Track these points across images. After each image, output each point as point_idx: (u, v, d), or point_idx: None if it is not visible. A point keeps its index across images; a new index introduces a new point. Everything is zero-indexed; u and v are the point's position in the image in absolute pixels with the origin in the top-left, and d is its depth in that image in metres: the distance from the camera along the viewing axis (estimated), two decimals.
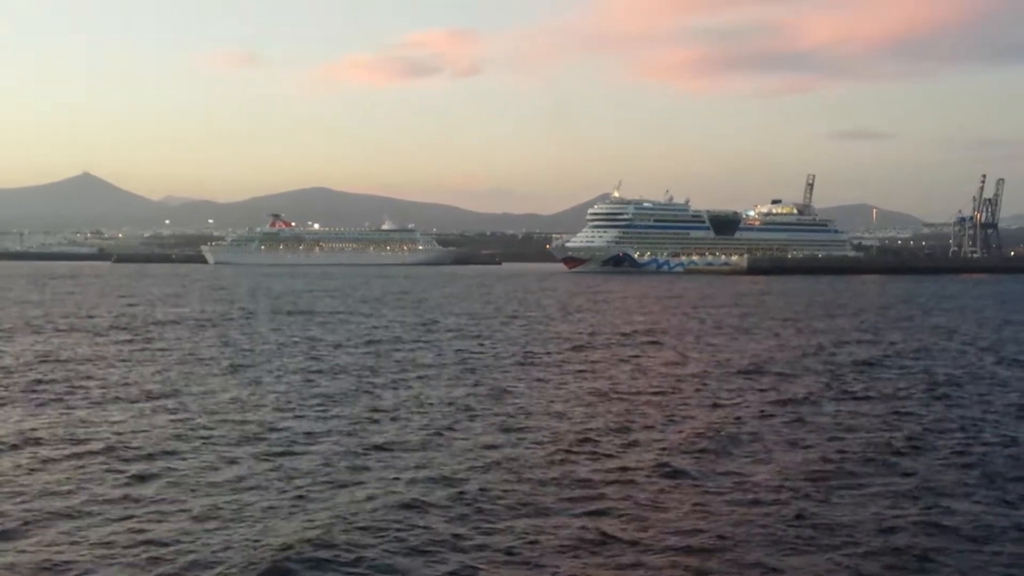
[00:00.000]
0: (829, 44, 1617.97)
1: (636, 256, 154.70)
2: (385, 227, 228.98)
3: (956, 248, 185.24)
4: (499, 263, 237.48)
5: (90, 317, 48.11)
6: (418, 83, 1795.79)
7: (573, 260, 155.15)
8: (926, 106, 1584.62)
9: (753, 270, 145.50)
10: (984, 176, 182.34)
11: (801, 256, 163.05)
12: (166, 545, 11.41)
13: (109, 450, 16.29)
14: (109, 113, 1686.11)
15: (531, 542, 11.74)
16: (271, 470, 15.11)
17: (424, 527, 12.25)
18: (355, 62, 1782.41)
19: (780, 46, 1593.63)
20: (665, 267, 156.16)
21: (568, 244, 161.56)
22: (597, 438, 17.78)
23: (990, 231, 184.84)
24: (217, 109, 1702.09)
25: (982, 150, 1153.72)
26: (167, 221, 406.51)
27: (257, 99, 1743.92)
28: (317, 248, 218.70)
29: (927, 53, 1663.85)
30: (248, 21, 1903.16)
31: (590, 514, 12.85)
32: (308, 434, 17.89)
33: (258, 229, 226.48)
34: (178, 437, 17.47)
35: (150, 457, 15.86)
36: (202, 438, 17.39)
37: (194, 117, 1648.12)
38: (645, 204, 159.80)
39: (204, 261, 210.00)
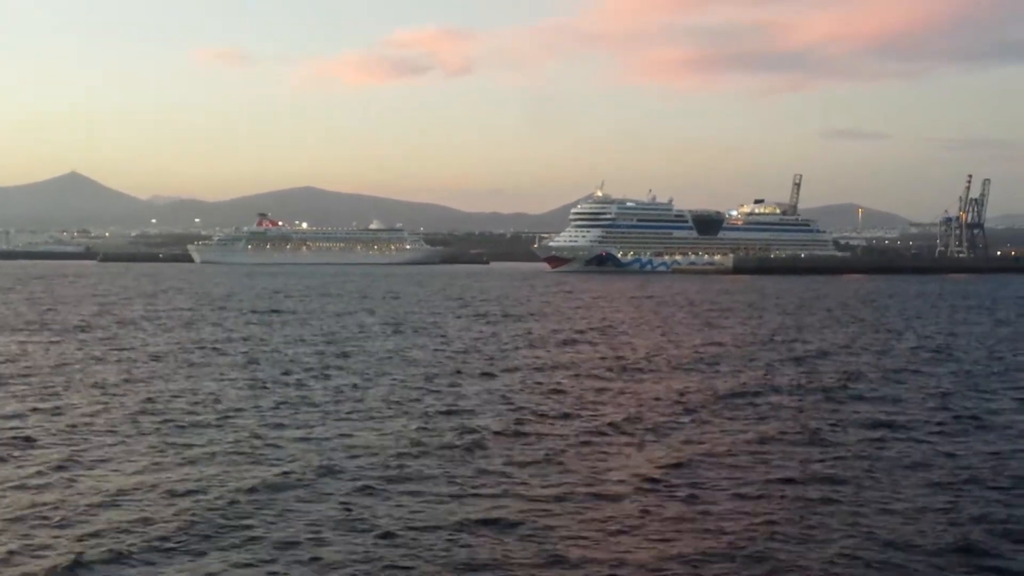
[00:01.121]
0: (820, 43, 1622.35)
1: (619, 256, 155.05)
2: (373, 227, 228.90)
3: (943, 248, 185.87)
4: (487, 262, 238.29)
5: (59, 315, 48.27)
6: (409, 82, 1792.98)
7: (556, 259, 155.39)
8: (916, 106, 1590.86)
9: (739, 270, 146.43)
10: (970, 176, 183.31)
11: (784, 256, 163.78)
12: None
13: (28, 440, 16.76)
14: (96, 112, 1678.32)
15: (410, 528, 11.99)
16: (167, 455, 15.50)
17: (297, 512, 12.62)
18: (345, 60, 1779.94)
19: (771, 45, 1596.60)
20: (648, 267, 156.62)
21: (551, 244, 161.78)
22: (496, 434, 17.96)
23: (976, 231, 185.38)
24: (206, 107, 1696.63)
25: (972, 150, 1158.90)
26: (154, 220, 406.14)
27: (246, 97, 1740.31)
28: (304, 248, 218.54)
29: (918, 53, 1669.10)
30: (237, 19, 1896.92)
31: (479, 509, 13.00)
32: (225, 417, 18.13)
33: (245, 228, 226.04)
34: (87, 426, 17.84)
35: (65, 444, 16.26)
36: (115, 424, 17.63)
37: (182, 115, 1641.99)
38: (628, 203, 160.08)
39: (191, 260, 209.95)
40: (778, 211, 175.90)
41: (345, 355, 30.88)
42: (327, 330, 40.74)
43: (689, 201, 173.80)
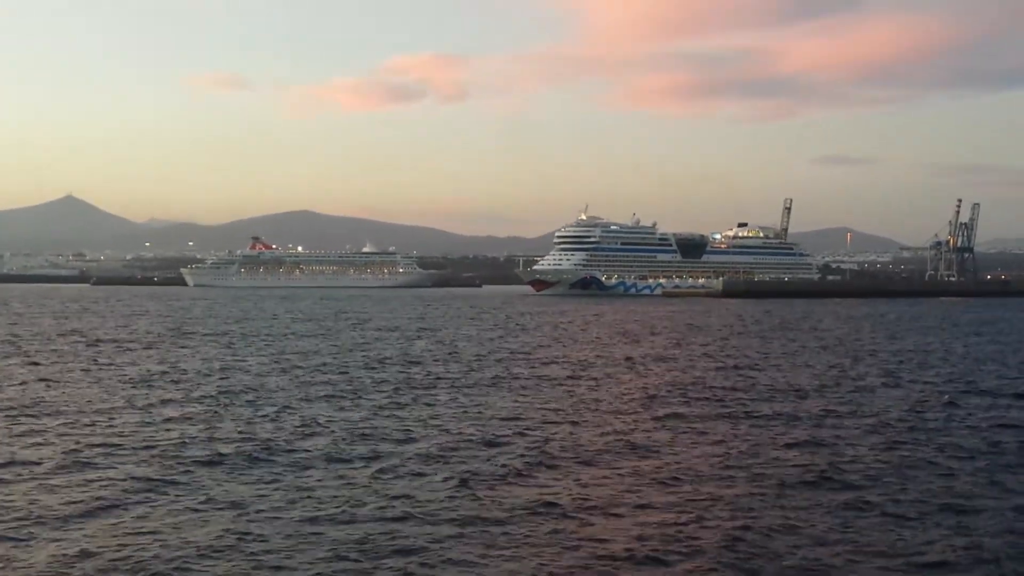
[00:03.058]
0: (810, 70, 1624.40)
1: (603, 279, 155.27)
2: (366, 250, 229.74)
3: (932, 272, 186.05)
4: (480, 286, 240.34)
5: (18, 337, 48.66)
6: (403, 107, 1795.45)
7: (541, 283, 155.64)
8: (907, 131, 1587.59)
9: (728, 293, 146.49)
10: (960, 201, 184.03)
11: (768, 279, 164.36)
12: None
13: None
14: (93, 135, 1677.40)
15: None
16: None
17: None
18: (340, 86, 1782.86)
19: (761, 72, 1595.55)
20: (632, 290, 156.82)
21: (535, 267, 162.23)
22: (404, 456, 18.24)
23: (966, 255, 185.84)
24: (202, 131, 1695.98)
25: (963, 175, 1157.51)
26: (147, 243, 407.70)
27: (243, 122, 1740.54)
28: (297, 271, 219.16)
29: (907, 79, 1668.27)
30: (233, 44, 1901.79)
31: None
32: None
33: (238, 252, 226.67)
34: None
35: None
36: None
37: (179, 139, 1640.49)
38: (612, 227, 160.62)
39: (185, 284, 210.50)
40: (761, 235, 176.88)
41: (292, 376, 31.16)
42: (286, 352, 41.06)
43: (680, 227, 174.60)
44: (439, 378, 30.64)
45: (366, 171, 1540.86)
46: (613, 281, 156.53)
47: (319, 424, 21.05)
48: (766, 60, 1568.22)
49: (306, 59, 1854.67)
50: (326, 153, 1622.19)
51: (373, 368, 33.88)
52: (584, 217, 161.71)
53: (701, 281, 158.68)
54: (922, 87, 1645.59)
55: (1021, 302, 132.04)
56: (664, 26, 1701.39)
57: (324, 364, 35.23)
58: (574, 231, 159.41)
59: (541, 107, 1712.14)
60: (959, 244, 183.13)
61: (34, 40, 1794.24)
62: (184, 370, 32.44)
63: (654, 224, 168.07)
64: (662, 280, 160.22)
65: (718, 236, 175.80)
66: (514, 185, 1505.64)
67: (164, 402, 24.32)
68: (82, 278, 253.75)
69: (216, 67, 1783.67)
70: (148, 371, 31.98)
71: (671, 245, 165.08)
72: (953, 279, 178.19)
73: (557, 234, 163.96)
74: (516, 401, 25.28)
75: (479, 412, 23.06)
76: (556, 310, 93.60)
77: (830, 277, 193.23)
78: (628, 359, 38.57)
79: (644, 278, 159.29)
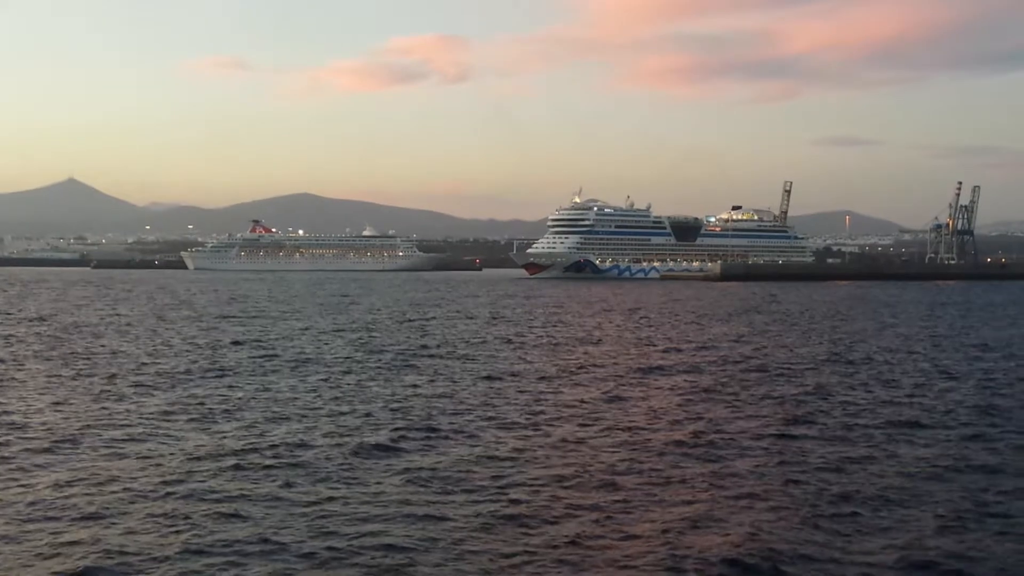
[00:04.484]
0: (813, 52, 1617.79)
1: (597, 262, 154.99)
2: (366, 233, 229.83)
3: (933, 255, 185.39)
4: (480, 269, 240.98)
5: None
6: (405, 89, 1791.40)
7: (534, 266, 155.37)
8: (909, 113, 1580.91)
9: (726, 277, 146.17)
10: (960, 183, 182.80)
11: (762, 262, 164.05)
12: None
13: None
14: (95, 119, 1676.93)
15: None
16: None
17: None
18: (342, 68, 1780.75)
19: (765, 53, 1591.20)
20: (627, 273, 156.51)
21: (529, 250, 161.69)
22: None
23: (966, 238, 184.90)
24: (203, 115, 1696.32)
25: (964, 157, 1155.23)
26: (148, 227, 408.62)
27: (243, 105, 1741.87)
28: (297, 254, 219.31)
29: (910, 61, 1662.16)
30: (234, 27, 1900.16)
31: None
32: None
33: (238, 235, 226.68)
34: None
35: None
36: None
37: (180, 123, 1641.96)
38: (606, 210, 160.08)
39: (185, 267, 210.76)
40: (756, 218, 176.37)
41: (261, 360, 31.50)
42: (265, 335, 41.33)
43: (679, 210, 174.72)
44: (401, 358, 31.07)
45: (367, 154, 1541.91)
46: (607, 264, 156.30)
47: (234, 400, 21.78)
48: (768, 42, 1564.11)
49: (306, 41, 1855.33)
50: (327, 136, 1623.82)
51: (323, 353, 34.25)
52: (578, 200, 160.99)
53: (696, 264, 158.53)
54: (924, 69, 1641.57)
55: (1017, 285, 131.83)
56: (666, 8, 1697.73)
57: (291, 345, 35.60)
58: (568, 214, 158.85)
59: (543, 89, 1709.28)
60: (959, 227, 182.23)
61: (35, 24, 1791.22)
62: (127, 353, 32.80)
63: (648, 207, 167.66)
64: (656, 263, 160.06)
65: (713, 219, 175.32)
66: (515, 167, 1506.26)
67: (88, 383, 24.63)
68: (83, 261, 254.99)
69: (217, 51, 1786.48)
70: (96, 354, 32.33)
71: (665, 228, 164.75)
72: (953, 262, 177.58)
73: (551, 217, 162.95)
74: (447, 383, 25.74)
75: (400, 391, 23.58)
76: (541, 293, 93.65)
77: (829, 260, 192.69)
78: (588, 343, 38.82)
79: (638, 261, 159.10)
